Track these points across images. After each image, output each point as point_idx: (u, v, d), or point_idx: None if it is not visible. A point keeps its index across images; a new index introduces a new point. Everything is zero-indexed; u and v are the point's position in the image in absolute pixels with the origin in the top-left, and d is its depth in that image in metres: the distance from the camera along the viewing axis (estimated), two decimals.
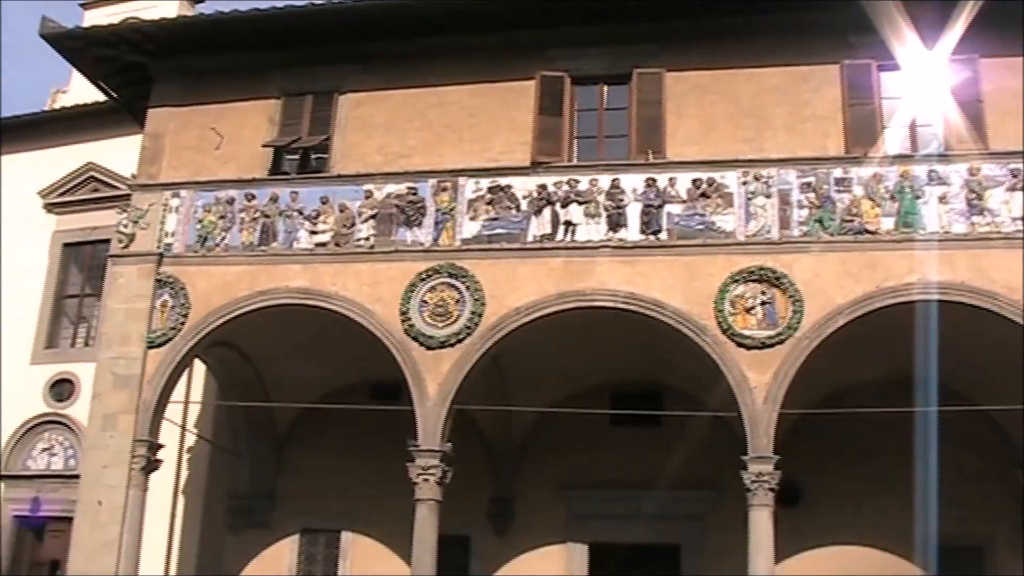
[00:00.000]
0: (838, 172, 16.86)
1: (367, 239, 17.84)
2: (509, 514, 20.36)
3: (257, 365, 20.09)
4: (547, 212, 17.34)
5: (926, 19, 16.51)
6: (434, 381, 16.96)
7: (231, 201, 18.48)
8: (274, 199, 18.34)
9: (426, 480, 16.70)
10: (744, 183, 16.98)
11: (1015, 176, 16.37)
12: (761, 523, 15.87)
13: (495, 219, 17.47)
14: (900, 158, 16.85)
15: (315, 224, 18.09)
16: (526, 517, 20.28)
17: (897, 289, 16.18)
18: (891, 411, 16.85)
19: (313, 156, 18.95)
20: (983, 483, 18.55)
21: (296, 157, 19.04)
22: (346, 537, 20.74)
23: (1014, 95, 16.83)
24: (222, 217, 18.42)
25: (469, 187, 17.71)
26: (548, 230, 17.27)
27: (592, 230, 17.15)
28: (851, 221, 16.61)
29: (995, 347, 16.63)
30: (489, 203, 17.55)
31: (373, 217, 17.91)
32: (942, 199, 16.52)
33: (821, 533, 18.93)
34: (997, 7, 16.25)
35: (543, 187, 17.45)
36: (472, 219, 17.55)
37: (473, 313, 17.02)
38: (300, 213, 18.21)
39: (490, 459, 20.43)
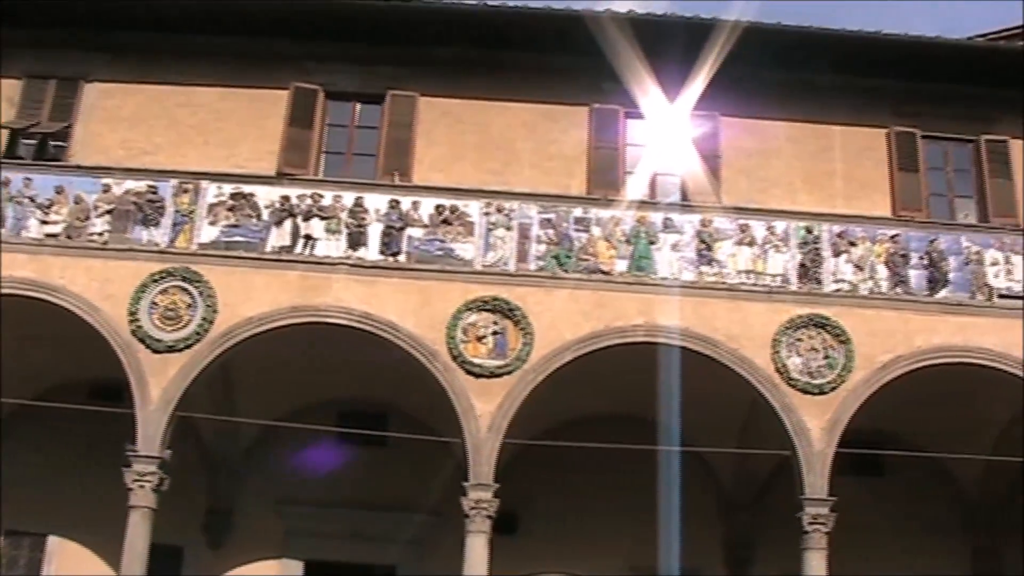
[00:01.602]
0: (578, 212, 17.34)
1: (101, 234, 17.27)
2: (226, 527, 19.82)
3: None
4: (288, 224, 17.20)
5: (670, 74, 17.23)
6: (158, 385, 16.56)
7: None
8: (5, 183, 17.54)
9: (142, 487, 16.25)
10: (486, 213, 17.25)
11: (743, 231, 17.19)
12: (477, 549, 16.11)
13: (235, 226, 17.20)
14: (641, 204, 17.44)
15: (47, 214, 17.40)
16: (243, 531, 19.80)
17: (624, 330, 16.74)
18: (611, 446, 17.26)
19: (52, 143, 18.22)
20: (693, 519, 18.88)
21: (34, 142, 18.27)
22: (52, 541, 19.74)
23: (748, 154, 17.78)
24: None
25: (211, 191, 17.39)
26: (288, 242, 17.13)
27: (332, 246, 17.11)
28: (587, 260, 17.08)
29: (713, 393, 17.31)
30: (230, 209, 17.28)
31: (109, 212, 17.36)
32: (675, 247, 17.21)
33: (535, 561, 19.26)
34: (737, 69, 17.07)
35: (287, 199, 17.31)
36: (211, 224, 17.23)
37: (204, 319, 16.70)
38: (32, 200, 17.47)
39: (210, 469, 19.87)
